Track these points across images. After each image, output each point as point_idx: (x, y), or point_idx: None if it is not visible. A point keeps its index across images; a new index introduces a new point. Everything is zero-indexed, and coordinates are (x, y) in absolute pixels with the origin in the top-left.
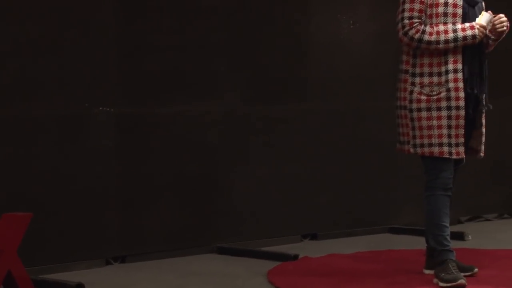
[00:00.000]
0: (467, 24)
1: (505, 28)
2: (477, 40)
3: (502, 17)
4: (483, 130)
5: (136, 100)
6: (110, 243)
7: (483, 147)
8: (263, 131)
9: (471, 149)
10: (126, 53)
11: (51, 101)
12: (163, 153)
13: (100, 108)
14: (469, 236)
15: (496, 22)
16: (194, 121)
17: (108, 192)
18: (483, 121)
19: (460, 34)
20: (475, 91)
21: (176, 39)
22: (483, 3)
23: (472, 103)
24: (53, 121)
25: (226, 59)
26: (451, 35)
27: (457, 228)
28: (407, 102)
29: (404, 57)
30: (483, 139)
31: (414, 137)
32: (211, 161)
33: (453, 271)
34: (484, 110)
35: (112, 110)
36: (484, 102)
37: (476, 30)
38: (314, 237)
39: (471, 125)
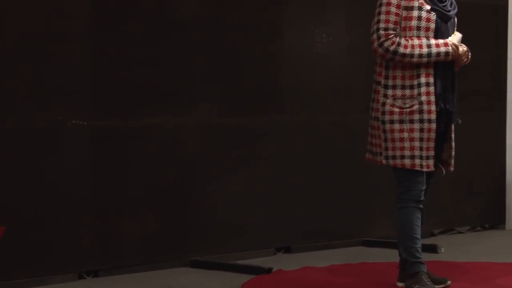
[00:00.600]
0: (441, 41)
1: (465, 60)
2: (449, 58)
3: (466, 49)
4: (453, 144)
5: (110, 113)
6: (83, 257)
7: (453, 161)
8: (239, 143)
9: (443, 162)
10: (99, 66)
11: (24, 114)
12: (138, 166)
13: (74, 121)
14: (442, 248)
15: (462, 53)
16: (170, 134)
17: (81, 205)
18: (452, 135)
19: (434, 50)
20: (447, 106)
21: (151, 51)
22: (456, 19)
23: (444, 117)
24: (26, 134)
25: (202, 71)
26: (425, 50)
27: (430, 240)
28: (379, 113)
29: (377, 68)
30: (453, 153)
31: (386, 148)
32: (185, 174)
33: (428, 282)
34: (454, 124)
35: (85, 123)
36: (455, 117)
37: (450, 48)
38: (288, 250)
39: (443, 139)
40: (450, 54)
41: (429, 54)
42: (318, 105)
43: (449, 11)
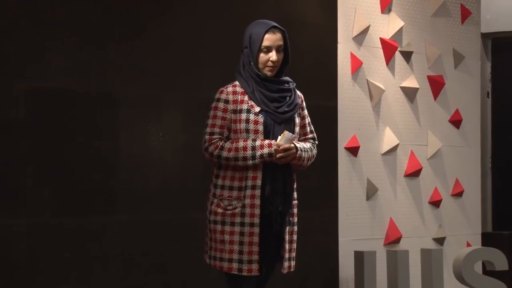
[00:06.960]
0: (266, 142)
1: (283, 160)
2: (274, 158)
3: (294, 150)
4: (293, 245)
5: None
6: None
7: (293, 262)
8: (71, 244)
9: (282, 262)
10: None
11: None
12: None
13: None
14: None
15: (287, 154)
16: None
17: None
18: (294, 237)
19: (258, 152)
20: (280, 208)
21: None
22: (297, 119)
23: (279, 220)
24: None
25: (32, 171)
26: (249, 152)
27: None
28: (207, 212)
29: (212, 167)
30: (293, 254)
31: (210, 248)
32: (16, 276)
33: None
34: (289, 226)
35: None
36: (288, 219)
37: (272, 149)
38: None
39: (281, 240)
40: (274, 155)
41: (253, 157)
42: (153, 204)
43: (284, 112)
